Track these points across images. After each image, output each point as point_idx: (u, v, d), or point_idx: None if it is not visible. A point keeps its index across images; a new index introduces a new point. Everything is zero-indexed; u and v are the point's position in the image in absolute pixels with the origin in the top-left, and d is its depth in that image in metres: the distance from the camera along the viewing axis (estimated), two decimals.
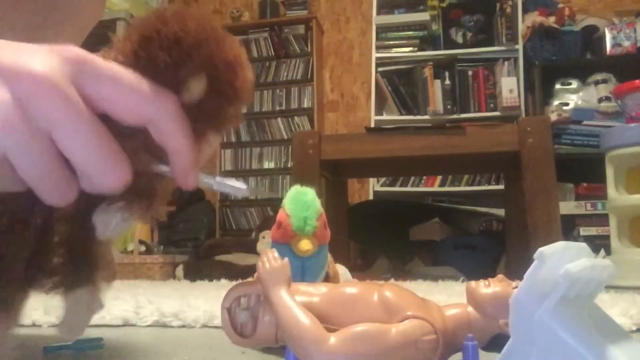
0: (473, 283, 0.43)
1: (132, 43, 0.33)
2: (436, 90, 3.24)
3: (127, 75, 0.31)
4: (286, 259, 0.47)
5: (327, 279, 0.56)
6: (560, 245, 0.35)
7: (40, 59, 0.29)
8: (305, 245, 0.50)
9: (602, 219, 2.47)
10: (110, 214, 0.36)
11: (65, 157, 0.29)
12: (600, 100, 2.81)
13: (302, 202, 0.50)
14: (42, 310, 0.84)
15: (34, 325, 0.81)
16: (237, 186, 0.36)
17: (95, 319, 0.82)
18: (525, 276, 0.35)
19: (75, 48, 0.30)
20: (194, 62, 0.32)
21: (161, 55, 0.32)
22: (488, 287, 0.42)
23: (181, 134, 0.32)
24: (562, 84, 2.94)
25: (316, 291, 0.45)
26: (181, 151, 0.32)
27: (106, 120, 0.30)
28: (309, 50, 3.67)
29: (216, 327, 0.78)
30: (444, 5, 3.30)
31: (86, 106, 0.29)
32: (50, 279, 0.40)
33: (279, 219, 0.52)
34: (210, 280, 1.94)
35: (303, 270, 0.52)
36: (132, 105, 0.31)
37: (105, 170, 0.30)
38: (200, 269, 2.20)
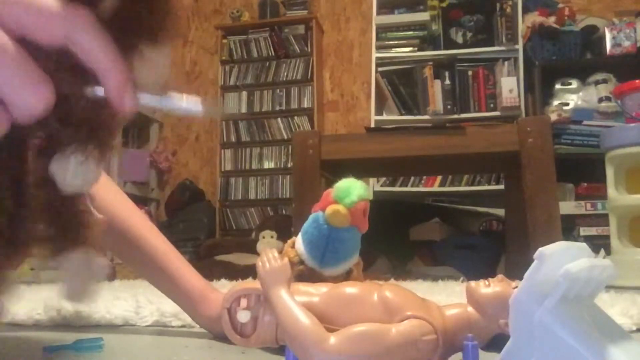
0: (473, 283, 0.43)
1: None
2: (436, 90, 3.23)
3: None
4: (286, 259, 0.47)
5: (350, 276, 0.54)
6: (560, 245, 0.35)
7: None
8: (338, 209, 0.48)
9: (602, 219, 2.47)
10: (64, 159, 0.35)
11: None
12: (600, 100, 2.81)
13: (351, 182, 0.51)
14: (42, 311, 0.84)
15: (34, 325, 0.81)
16: (187, 105, 0.33)
17: (95, 319, 0.82)
18: (525, 276, 0.35)
19: None
20: None
21: None
22: (488, 287, 0.42)
23: (103, 48, 0.31)
24: (562, 84, 2.94)
25: (316, 291, 0.45)
26: (107, 67, 0.31)
27: (25, 43, 0.30)
28: (309, 50, 3.67)
29: None
30: (444, 5, 3.30)
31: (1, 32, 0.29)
32: (39, 246, 0.40)
33: (325, 193, 0.51)
34: (210, 280, 1.93)
35: (327, 243, 0.51)
36: (44, 23, 0.30)
37: (25, 92, 0.29)
38: (200, 269, 2.18)
